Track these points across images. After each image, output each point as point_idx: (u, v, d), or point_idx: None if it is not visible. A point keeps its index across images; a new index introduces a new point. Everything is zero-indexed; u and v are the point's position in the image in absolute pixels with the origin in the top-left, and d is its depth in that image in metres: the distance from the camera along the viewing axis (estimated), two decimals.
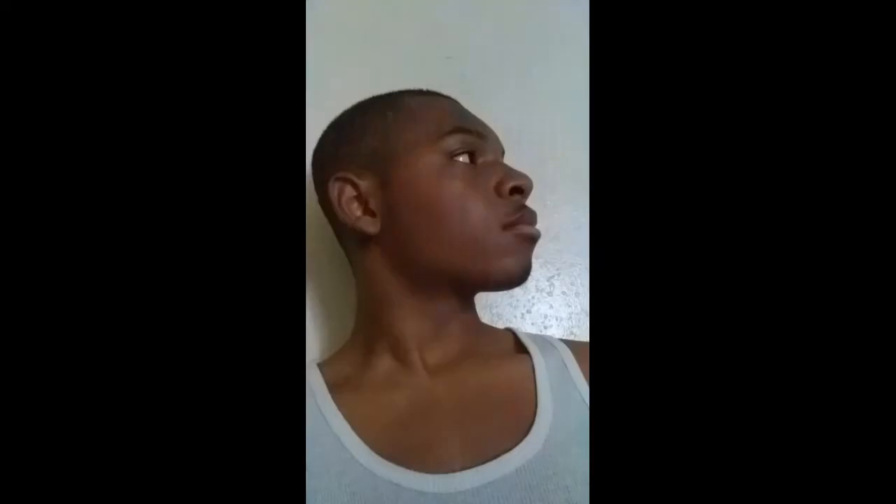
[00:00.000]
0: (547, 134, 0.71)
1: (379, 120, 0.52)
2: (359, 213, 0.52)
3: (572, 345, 0.55)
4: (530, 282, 0.54)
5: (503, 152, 0.55)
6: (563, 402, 0.48)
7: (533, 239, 0.51)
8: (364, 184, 0.51)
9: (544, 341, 0.55)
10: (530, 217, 0.51)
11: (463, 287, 0.52)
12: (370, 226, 0.51)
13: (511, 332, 0.56)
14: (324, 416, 0.48)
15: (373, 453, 0.45)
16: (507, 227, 0.50)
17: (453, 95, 0.56)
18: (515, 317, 0.68)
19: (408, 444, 0.46)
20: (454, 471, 0.44)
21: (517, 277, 0.51)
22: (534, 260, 0.52)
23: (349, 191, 0.52)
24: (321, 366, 0.54)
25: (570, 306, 0.69)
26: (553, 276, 0.69)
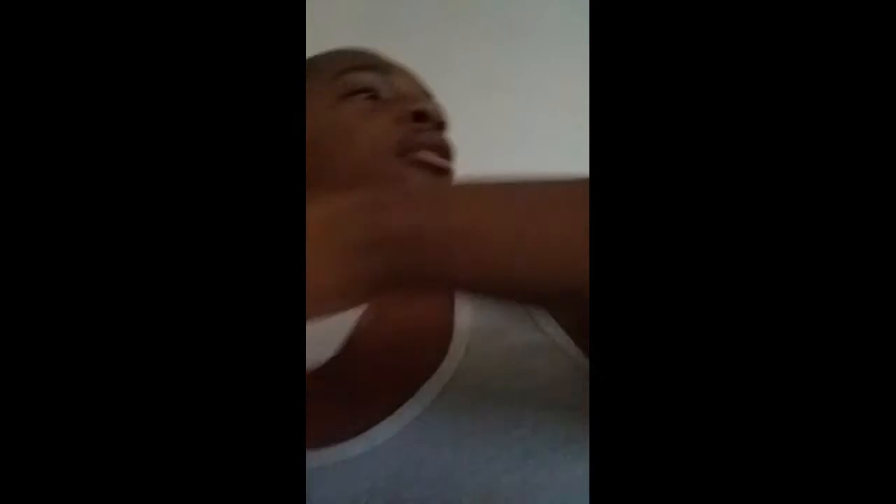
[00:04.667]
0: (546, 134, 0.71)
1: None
2: None
3: None
4: None
5: (428, 95, 0.51)
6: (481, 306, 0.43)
7: (438, 169, 0.45)
8: None
9: None
10: (434, 140, 0.45)
11: None
12: None
13: None
14: None
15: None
16: (402, 153, 0.44)
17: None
18: None
19: (334, 414, 0.39)
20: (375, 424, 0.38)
21: None
22: None
23: None
24: None
25: None
26: None
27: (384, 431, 0.38)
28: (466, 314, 0.44)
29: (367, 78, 0.47)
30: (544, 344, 0.42)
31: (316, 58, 0.50)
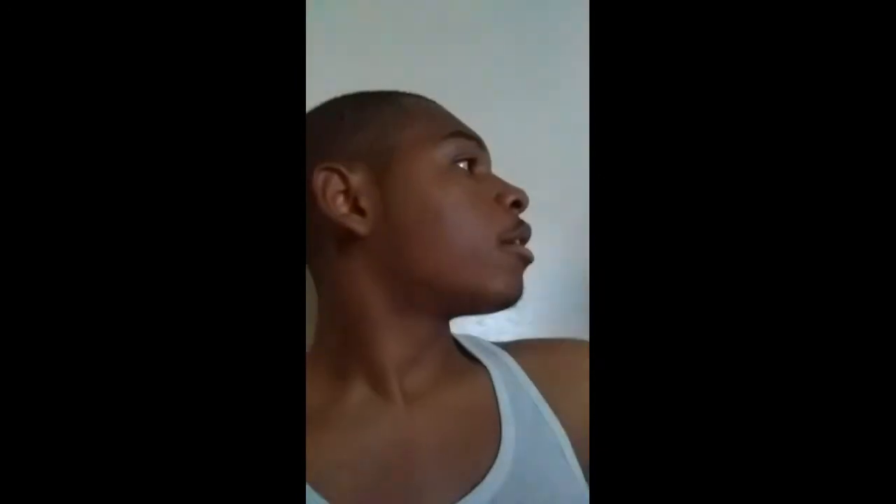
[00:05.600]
0: (546, 144, 0.71)
1: (375, 114, 0.48)
2: (345, 209, 0.46)
3: (506, 346, 0.53)
4: None
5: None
6: (520, 413, 0.47)
7: (528, 261, 0.49)
8: (355, 178, 0.46)
9: (483, 348, 0.52)
10: (527, 233, 0.49)
11: (453, 305, 0.48)
12: (359, 225, 0.45)
13: (452, 338, 0.53)
14: None
15: None
16: (505, 242, 0.47)
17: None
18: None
19: (386, 494, 0.42)
20: None
21: (512, 299, 0.47)
22: None
23: (336, 183, 0.46)
24: None
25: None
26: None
27: None
28: (507, 406, 0.47)
29: (469, 147, 0.48)
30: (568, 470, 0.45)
31: (406, 100, 0.50)
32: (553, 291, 0.69)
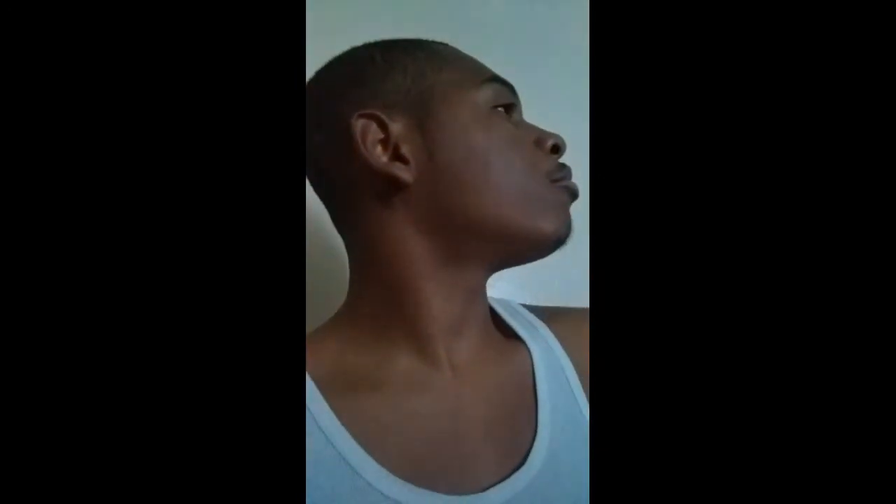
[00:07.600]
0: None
1: (408, 58, 0.46)
2: (385, 158, 0.44)
3: (543, 313, 0.53)
4: None
5: None
6: (556, 398, 0.47)
7: (575, 196, 0.48)
8: (396, 125, 0.44)
9: (522, 319, 0.52)
10: (570, 174, 0.48)
11: (502, 252, 0.46)
12: (404, 172, 0.43)
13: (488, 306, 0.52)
14: (321, 428, 0.39)
15: (394, 477, 0.39)
16: (553, 181, 0.46)
17: None
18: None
19: (437, 464, 0.41)
20: (485, 487, 0.41)
21: (563, 238, 0.47)
22: None
23: (375, 131, 0.44)
24: None
25: None
26: None
27: (495, 498, 0.41)
28: (543, 377, 0.48)
29: (506, 94, 0.48)
30: None
31: (437, 46, 0.49)
32: (552, 291, 0.69)
